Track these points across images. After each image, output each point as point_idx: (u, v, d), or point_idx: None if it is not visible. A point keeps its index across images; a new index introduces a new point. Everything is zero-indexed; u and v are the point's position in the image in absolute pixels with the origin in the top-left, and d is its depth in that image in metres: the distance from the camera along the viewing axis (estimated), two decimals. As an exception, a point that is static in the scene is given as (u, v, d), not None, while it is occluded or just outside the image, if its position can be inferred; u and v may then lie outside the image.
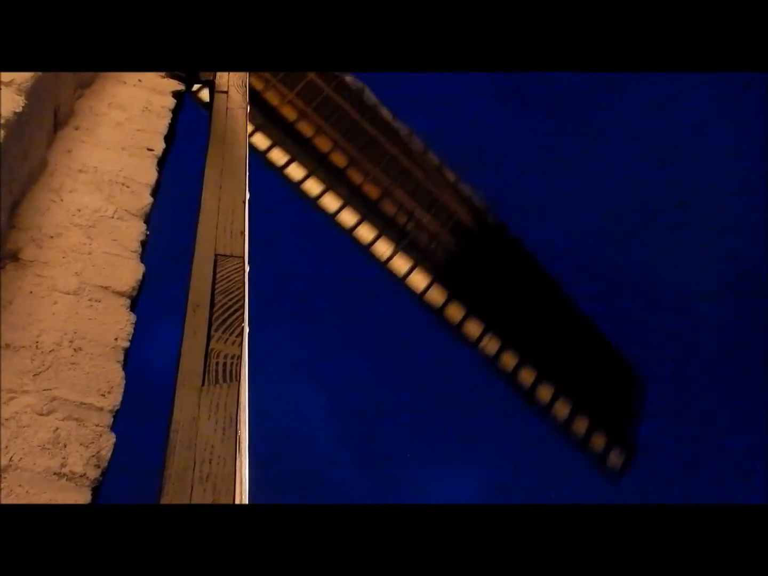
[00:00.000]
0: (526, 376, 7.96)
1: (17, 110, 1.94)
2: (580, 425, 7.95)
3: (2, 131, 1.85)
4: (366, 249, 7.71)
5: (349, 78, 7.68)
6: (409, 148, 7.96)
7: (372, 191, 7.85)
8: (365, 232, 7.76)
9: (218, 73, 3.26)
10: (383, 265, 7.75)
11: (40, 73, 2.08)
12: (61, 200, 2.31)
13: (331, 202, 7.64)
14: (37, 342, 1.88)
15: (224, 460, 1.74)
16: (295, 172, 7.53)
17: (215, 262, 2.30)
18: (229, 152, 2.83)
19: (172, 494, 1.64)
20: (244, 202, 2.65)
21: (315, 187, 7.54)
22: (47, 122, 2.40)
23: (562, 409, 7.93)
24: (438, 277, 7.86)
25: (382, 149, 7.86)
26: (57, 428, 1.72)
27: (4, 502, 1.53)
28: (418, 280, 7.83)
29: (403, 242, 7.81)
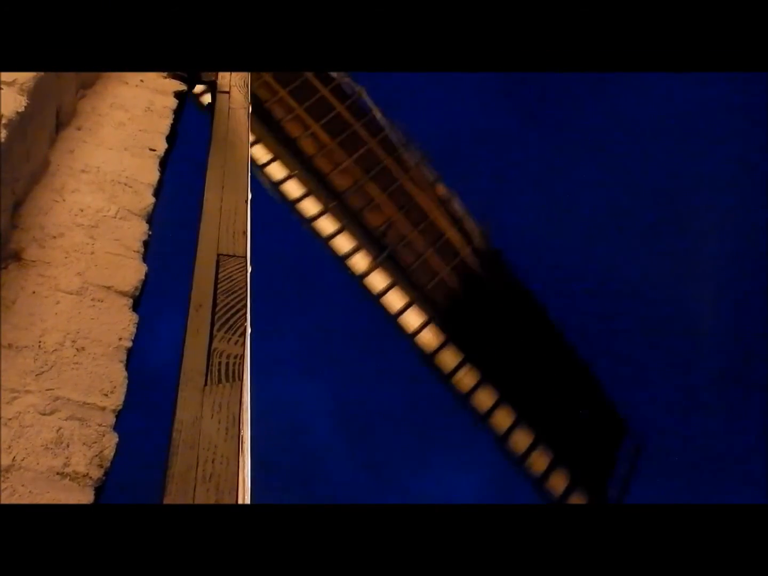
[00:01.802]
0: (504, 420, 7.60)
1: (19, 110, 1.94)
2: (558, 481, 7.53)
3: (4, 131, 1.86)
4: (343, 261, 7.59)
5: (346, 80, 7.64)
6: (403, 158, 7.87)
7: (356, 201, 7.76)
8: (344, 242, 7.65)
9: (220, 74, 3.26)
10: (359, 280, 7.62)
11: (42, 74, 2.09)
12: (64, 200, 2.31)
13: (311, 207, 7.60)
14: (40, 342, 1.88)
15: (227, 460, 1.75)
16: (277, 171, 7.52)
17: (217, 262, 2.30)
18: (231, 152, 2.84)
19: (175, 493, 1.64)
20: (247, 202, 2.65)
21: (296, 189, 7.52)
22: (49, 122, 2.40)
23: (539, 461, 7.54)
24: (419, 298, 7.65)
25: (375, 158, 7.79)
26: (60, 428, 1.72)
27: (7, 501, 1.54)
28: (396, 300, 7.65)
29: (382, 256, 7.64)
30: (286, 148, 7.58)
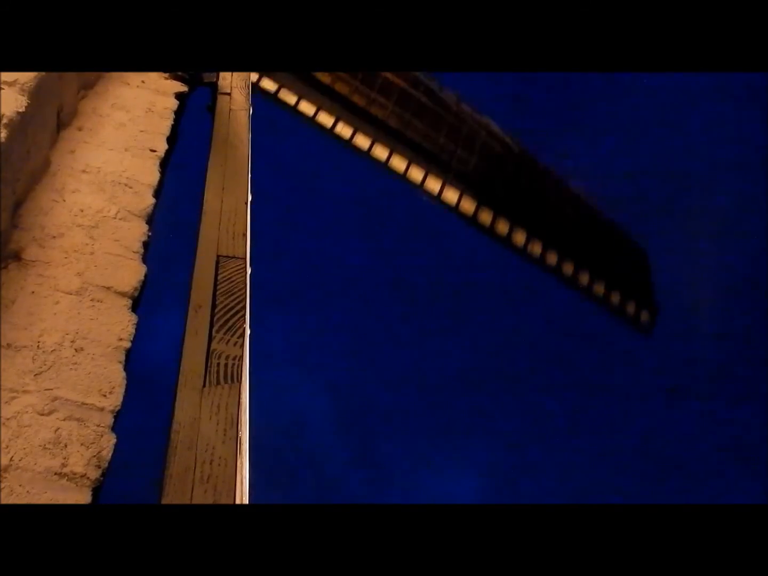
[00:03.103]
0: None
1: (20, 110, 1.94)
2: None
3: (5, 131, 1.86)
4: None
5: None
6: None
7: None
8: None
9: (221, 75, 3.27)
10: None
11: (43, 74, 2.09)
12: (64, 200, 2.31)
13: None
14: (39, 342, 1.88)
15: (225, 461, 1.74)
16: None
17: (217, 263, 2.30)
18: (232, 154, 2.84)
19: (173, 495, 1.64)
20: (247, 204, 2.65)
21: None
22: (50, 123, 2.40)
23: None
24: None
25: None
26: (58, 428, 1.72)
27: (4, 502, 1.53)
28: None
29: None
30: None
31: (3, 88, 1.94)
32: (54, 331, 1.92)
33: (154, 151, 2.67)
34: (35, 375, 1.80)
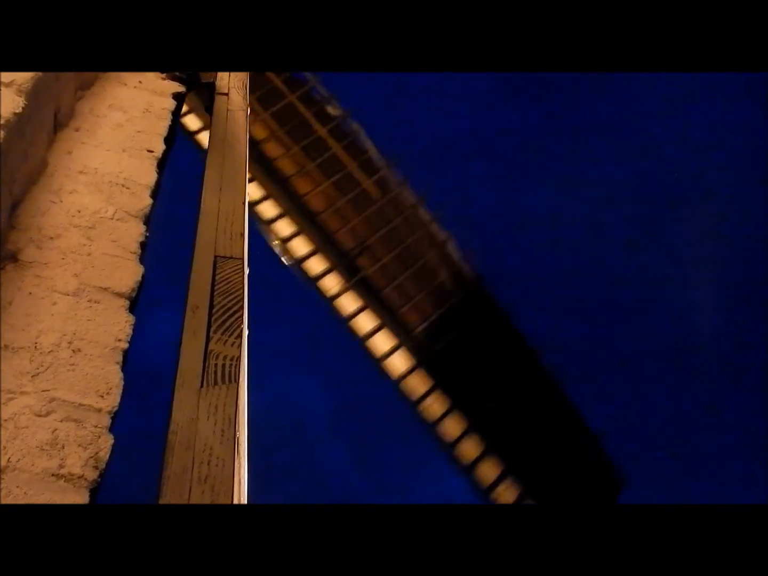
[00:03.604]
0: (471, 451, 7.43)
1: (17, 111, 1.94)
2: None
3: (2, 132, 1.85)
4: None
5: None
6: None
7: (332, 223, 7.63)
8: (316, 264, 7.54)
9: (218, 76, 3.26)
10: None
11: (40, 74, 2.08)
12: (61, 201, 2.30)
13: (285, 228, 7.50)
14: (36, 343, 1.87)
15: (223, 462, 1.74)
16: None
17: (215, 263, 2.30)
18: (230, 154, 2.84)
19: (171, 495, 1.63)
20: (244, 204, 2.65)
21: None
22: (47, 123, 2.40)
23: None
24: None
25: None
26: (55, 429, 1.71)
27: (2, 503, 1.53)
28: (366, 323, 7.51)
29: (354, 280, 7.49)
30: (262, 167, 7.52)
31: (0, 89, 1.93)
32: (51, 332, 1.92)
33: (152, 151, 2.66)
34: (32, 376, 1.80)
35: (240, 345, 2.06)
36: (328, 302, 7.41)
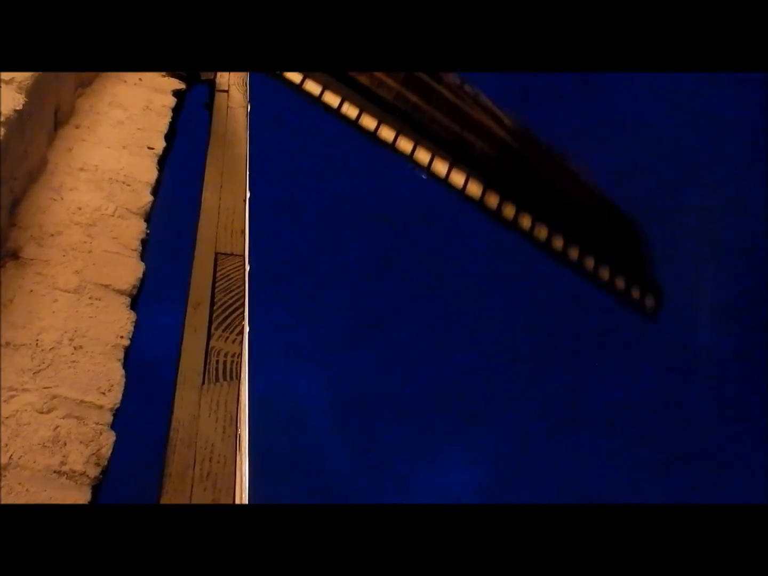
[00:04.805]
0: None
1: (17, 108, 1.94)
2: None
3: (3, 129, 1.85)
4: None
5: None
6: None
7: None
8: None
9: (219, 73, 3.26)
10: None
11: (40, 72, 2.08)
12: (62, 198, 2.31)
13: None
14: (38, 340, 1.88)
15: (224, 459, 1.75)
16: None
17: (215, 260, 2.31)
18: (230, 151, 2.84)
19: (173, 492, 1.64)
20: (245, 201, 2.65)
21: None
22: (48, 121, 2.40)
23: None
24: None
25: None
26: (57, 426, 1.72)
27: (4, 500, 1.53)
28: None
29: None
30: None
31: (0, 87, 1.93)
32: (53, 329, 1.92)
33: (152, 148, 2.67)
34: (34, 373, 1.80)
35: (241, 342, 2.07)
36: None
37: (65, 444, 1.69)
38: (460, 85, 7.93)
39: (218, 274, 2.26)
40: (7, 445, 1.63)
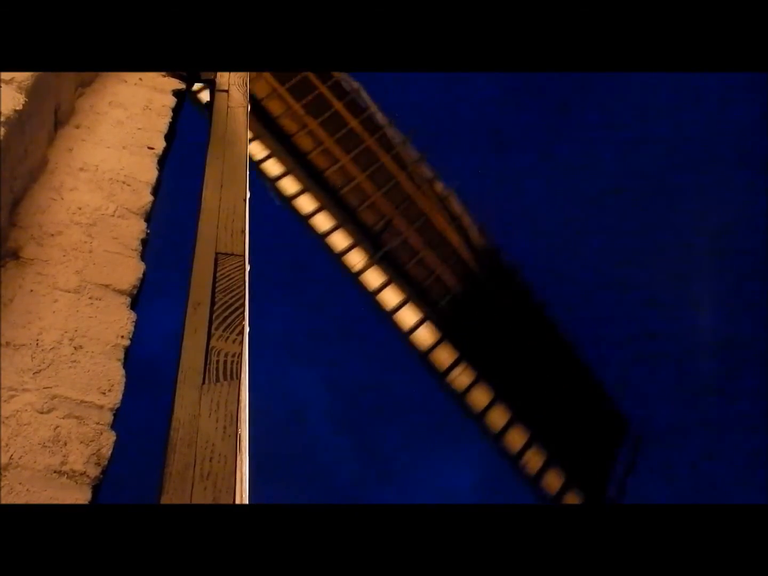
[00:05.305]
0: (499, 419, 7.56)
1: (18, 108, 1.94)
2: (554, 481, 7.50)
3: (3, 129, 1.85)
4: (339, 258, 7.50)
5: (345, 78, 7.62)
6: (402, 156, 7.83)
7: (352, 198, 7.70)
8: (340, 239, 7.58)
9: (219, 73, 3.26)
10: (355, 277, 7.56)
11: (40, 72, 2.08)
12: (62, 198, 2.31)
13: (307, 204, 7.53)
14: (38, 340, 1.88)
15: (225, 458, 1.74)
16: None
17: (216, 260, 2.30)
18: (230, 151, 2.83)
19: (173, 492, 1.64)
20: (245, 201, 2.65)
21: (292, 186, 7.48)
22: (48, 120, 2.40)
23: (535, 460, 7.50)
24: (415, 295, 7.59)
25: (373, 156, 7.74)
26: (57, 426, 1.72)
27: (4, 500, 1.53)
28: (391, 297, 7.57)
29: (378, 255, 7.57)
30: (282, 145, 7.56)
31: (0, 87, 1.93)
32: (53, 329, 1.92)
33: (152, 148, 2.67)
34: (34, 373, 1.81)
35: (241, 341, 2.07)
36: (353, 277, 7.50)
37: (65, 444, 1.69)
38: (431, 180, 7.81)
39: (218, 274, 2.25)
40: (7, 445, 1.63)
